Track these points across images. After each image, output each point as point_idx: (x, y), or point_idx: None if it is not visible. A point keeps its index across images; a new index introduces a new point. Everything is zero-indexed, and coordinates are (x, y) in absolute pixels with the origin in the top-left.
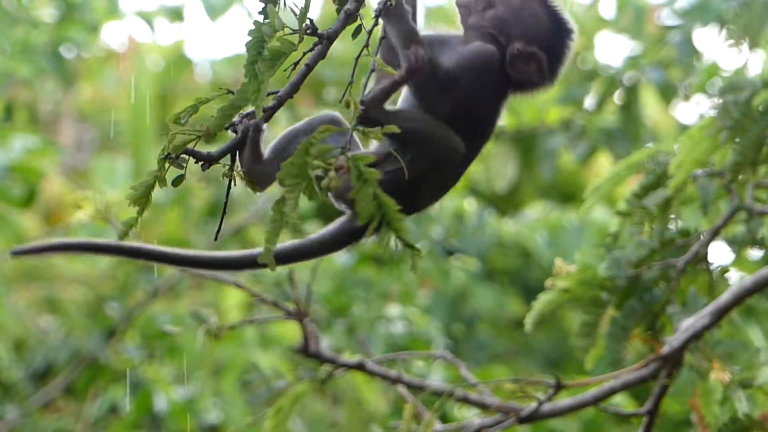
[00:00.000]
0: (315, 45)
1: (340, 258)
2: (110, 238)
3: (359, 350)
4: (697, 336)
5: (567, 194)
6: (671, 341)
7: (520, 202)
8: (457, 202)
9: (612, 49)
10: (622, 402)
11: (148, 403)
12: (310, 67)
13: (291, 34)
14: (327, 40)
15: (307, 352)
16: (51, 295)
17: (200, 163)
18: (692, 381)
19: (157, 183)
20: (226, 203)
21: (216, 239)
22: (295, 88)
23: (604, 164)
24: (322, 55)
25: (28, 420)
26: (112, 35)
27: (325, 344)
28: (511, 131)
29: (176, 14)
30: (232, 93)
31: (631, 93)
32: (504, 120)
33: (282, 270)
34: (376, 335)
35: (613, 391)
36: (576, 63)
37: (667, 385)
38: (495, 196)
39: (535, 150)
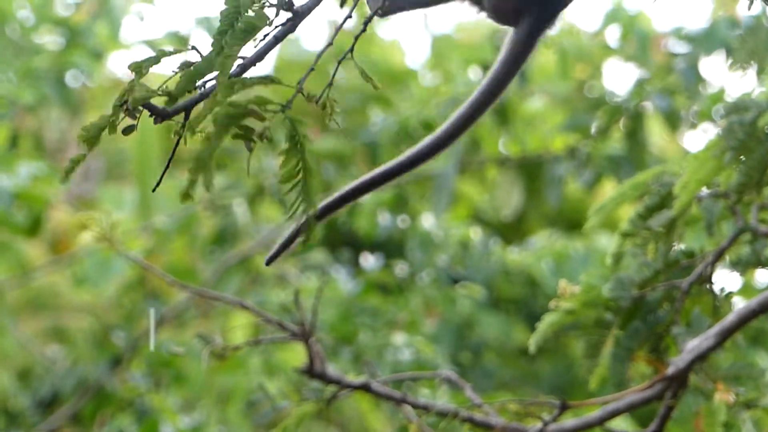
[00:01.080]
0: (288, 20)
1: (346, 286)
2: (118, 265)
3: (365, 373)
4: (702, 357)
5: (573, 222)
6: (676, 362)
7: (527, 230)
8: (462, 231)
9: (618, 78)
10: (625, 427)
11: None
12: (278, 40)
13: (266, 6)
14: (299, 16)
15: (312, 372)
16: (58, 324)
17: (153, 117)
18: (697, 403)
19: (108, 128)
20: (171, 158)
21: (153, 191)
22: (260, 57)
23: (610, 192)
24: (291, 30)
25: None
26: (118, 63)
27: (331, 367)
28: (517, 159)
29: (182, 42)
30: (200, 53)
31: (637, 120)
32: (508, 148)
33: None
34: (382, 363)
35: (618, 412)
36: (583, 91)
37: (673, 406)
38: (501, 224)
39: (540, 177)
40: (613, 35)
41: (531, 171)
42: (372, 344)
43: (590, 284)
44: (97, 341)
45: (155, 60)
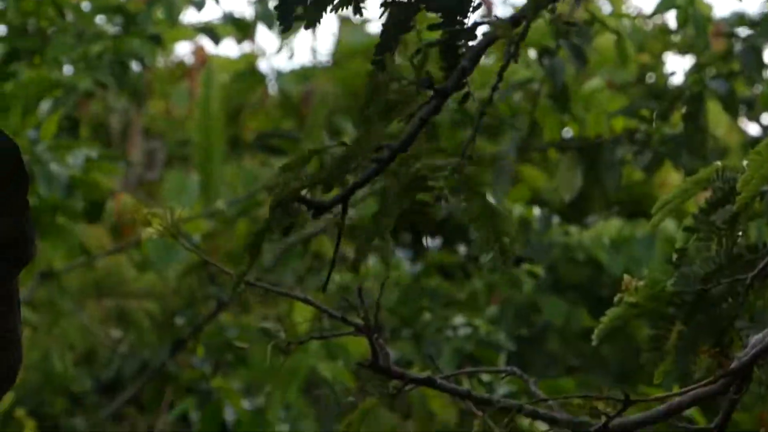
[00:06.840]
0: (430, 98)
1: (407, 269)
2: (180, 249)
3: (426, 362)
4: (766, 351)
5: (635, 206)
6: (740, 356)
7: (588, 214)
8: (523, 210)
9: (678, 67)
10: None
11: (218, 415)
12: (423, 121)
13: (407, 85)
14: (441, 95)
15: (375, 367)
16: (121, 308)
17: (311, 210)
18: (761, 396)
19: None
20: (335, 255)
21: (324, 291)
22: (409, 140)
23: (670, 177)
24: (436, 110)
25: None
26: (181, 48)
27: (393, 355)
28: (577, 141)
29: (240, 27)
30: (346, 145)
31: (696, 103)
32: (568, 130)
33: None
34: (443, 344)
35: (682, 407)
36: (643, 80)
37: (737, 400)
38: (562, 207)
39: (600, 161)
40: (671, 21)
41: (591, 154)
42: (433, 325)
43: (654, 279)
44: (159, 325)
45: (306, 160)
